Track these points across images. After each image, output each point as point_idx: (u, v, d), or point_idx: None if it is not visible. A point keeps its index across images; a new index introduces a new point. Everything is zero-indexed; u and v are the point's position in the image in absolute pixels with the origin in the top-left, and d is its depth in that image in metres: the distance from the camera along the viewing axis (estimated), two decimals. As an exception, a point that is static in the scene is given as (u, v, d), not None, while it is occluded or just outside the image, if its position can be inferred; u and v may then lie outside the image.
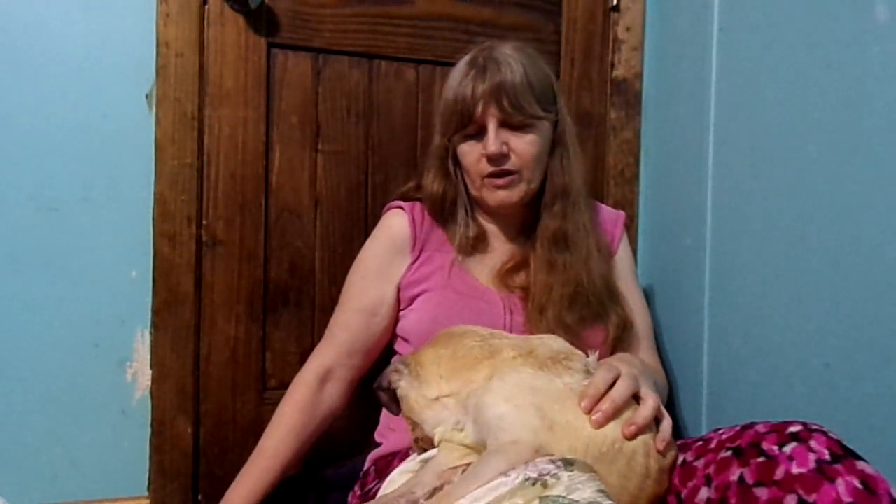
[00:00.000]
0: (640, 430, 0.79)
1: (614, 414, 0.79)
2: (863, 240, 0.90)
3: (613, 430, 0.79)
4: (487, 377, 0.83)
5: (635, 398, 0.84)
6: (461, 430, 0.83)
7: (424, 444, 0.89)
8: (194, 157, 1.23)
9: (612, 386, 0.82)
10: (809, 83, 0.99)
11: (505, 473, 0.72)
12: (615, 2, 1.46)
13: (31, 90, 1.17)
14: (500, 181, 1.05)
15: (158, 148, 1.22)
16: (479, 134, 1.04)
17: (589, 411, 0.79)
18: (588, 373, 0.85)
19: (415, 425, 0.89)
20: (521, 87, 1.02)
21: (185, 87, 1.23)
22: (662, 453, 0.81)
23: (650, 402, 0.83)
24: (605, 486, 0.73)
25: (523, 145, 1.04)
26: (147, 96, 1.22)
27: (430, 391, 0.87)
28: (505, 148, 1.03)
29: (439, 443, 0.85)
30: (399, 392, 0.91)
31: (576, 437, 0.77)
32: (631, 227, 1.44)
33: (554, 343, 0.90)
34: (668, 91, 1.39)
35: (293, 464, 1.08)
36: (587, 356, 0.89)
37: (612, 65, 1.48)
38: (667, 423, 0.83)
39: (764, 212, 1.07)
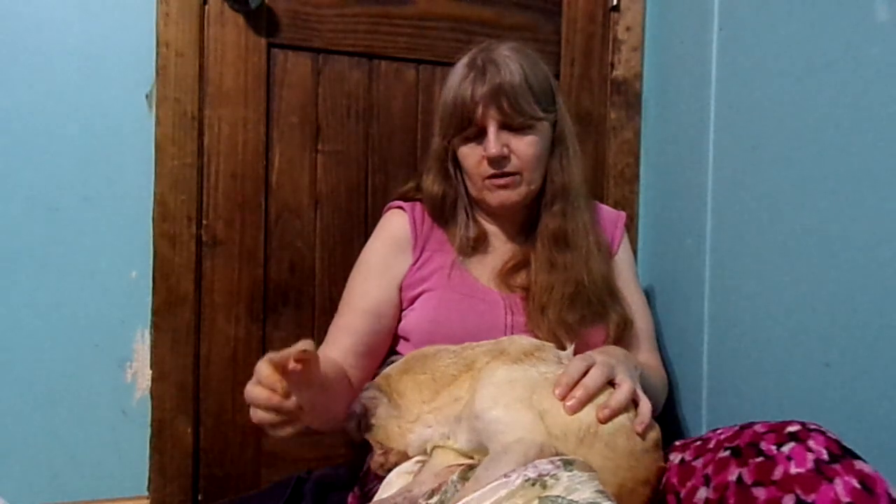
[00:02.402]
0: (614, 413, 0.80)
1: (587, 400, 0.80)
2: (863, 239, 0.90)
3: (588, 414, 0.80)
4: (471, 389, 0.84)
5: (612, 385, 0.85)
6: (448, 439, 0.84)
7: (392, 465, 0.89)
8: (194, 157, 1.23)
9: (586, 374, 0.83)
10: (809, 83, 0.99)
11: (505, 475, 0.72)
12: (615, 2, 1.46)
13: (32, 90, 1.17)
14: (500, 181, 1.05)
15: (158, 148, 1.22)
16: (479, 136, 1.04)
17: (563, 398, 0.81)
18: (560, 363, 0.87)
19: (389, 449, 0.90)
20: (520, 89, 1.01)
21: (185, 87, 1.23)
22: (641, 435, 0.81)
23: (625, 386, 0.84)
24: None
25: (523, 147, 1.04)
26: (147, 96, 1.22)
27: (410, 416, 0.88)
28: (505, 150, 1.03)
29: (432, 449, 0.85)
30: (374, 421, 0.91)
31: (554, 425, 0.78)
32: (631, 227, 1.44)
33: (523, 340, 0.92)
34: (668, 91, 1.39)
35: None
36: (564, 350, 0.91)
37: (612, 65, 1.48)
38: (645, 406, 0.84)
39: (764, 212, 1.07)
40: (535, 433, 0.77)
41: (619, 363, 0.88)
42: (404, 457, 0.89)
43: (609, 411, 0.80)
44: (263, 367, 0.75)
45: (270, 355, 0.76)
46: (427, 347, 0.96)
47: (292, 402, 0.75)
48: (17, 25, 1.16)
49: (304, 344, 0.77)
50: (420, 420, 0.87)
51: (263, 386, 0.75)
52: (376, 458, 0.92)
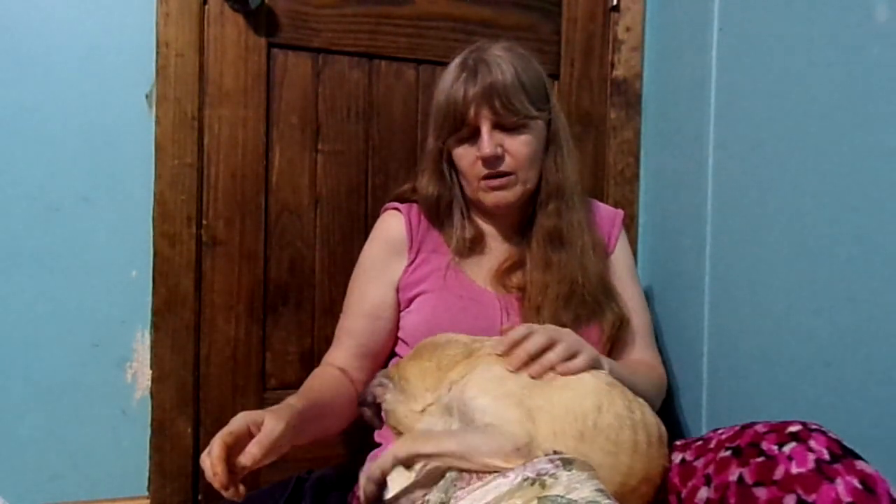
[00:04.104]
0: (543, 369, 0.84)
1: (526, 358, 0.84)
2: (863, 239, 0.90)
3: (581, 405, 0.80)
4: (462, 374, 0.85)
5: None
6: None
7: None
8: (194, 157, 1.23)
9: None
10: (809, 83, 0.99)
11: (504, 474, 0.72)
12: (615, 2, 1.46)
13: (32, 90, 1.17)
14: (495, 182, 1.05)
15: (158, 148, 1.22)
16: (473, 136, 1.04)
17: (504, 354, 0.85)
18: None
19: (399, 434, 0.91)
20: (512, 88, 1.01)
21: (185, 87, 1.23)
22: (655, 456, 0.81)
23: (561, 346, 0.87)
24: (595, 466, 0.73)
25: (517, 146, 1.04)
26: (147, 96, 1.22)
27: (416, 405, 0.89)
28: (499, 150, 1.03)
29: None
30: (385, 406, 0.93)
31: (553, 420, 0.78)
32: (631, 227, 1.44)
33: None
34: (668, 91, 1.39)
35: (328, 412, 1.03)
36: None
37: (612, 65, 1.48)
38: (579, 362, 0.86)
39: (764, 212, 1.07)
40: (521, 430, 0.77)
41: (568, 338, 0.90)
42: None
43: (540, 367, 0.84)
44: (216, 447, 0.78)
45: (229, 432, 0.80)
46: (439, 336, 0.96)
47: (230, 492, 0.78)
48: (17, 25, 1.16)
49: (264, 437, 0.81)
50: (426, 412, 0.88)
51: (211, 463, 0.77)
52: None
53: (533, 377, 0.83)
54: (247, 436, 0.81)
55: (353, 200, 1.34)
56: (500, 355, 0.85)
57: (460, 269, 1.10)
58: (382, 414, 0.98)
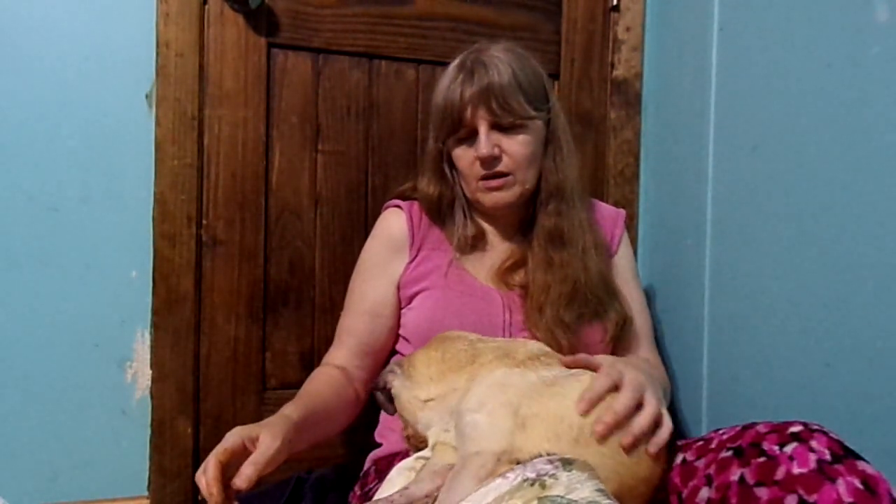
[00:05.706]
0: (637, 441, 0.77)
1: (616, 427, 0.77)
2: (863, 239, 0.90)
3: (577, 411, 0.78)
4: (468, 381, 0.85)
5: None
6: (448, 431, 0.85)
7: (416, 441, 0.91)
8: (194, 157, 1.23)
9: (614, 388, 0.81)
10: (809, 83, 0.99)
11: (503, 475, 0.72)
12: (615, 2, 1.46)
13: (32, 90, 1.17)
14: (493, 183, 1.05)
15: (158, 148, 1.22)
16: (471, 137, 1.04)
17: (584, 413, 0.78)
18: (567, 368, 0.86)
19: (407, 423, 0.92)
20: (509, 89, 1.01)
21: (185, 87, 1.23)
22: (653, 458, 0.79)
23: (649, 409, 0.80)
24: (593, 466, 0.73)
25: (515, 146, 1.04)
26: (147, 96, 1.22)
27: (420, 392, 0.90)
28: (496, 150, 1.03)
29: (434, 445, 0.86)
30: (392, 391, 0.94)
31: (547, 427, 0.78)
32: (631, 227, 1.44)
33: (534, 346, 0.92)
34: (668, 91, 1.39)
35: (326, 417, 1.02)
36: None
37: (612, 65, 1.48)
38: (665, 431, 0.80)
39: (764, 212, 1.07)
40: (501, 442, 0.76)
41: (648, 381, 0.83)
42: (418, 432, 0.90)
43: (632, 439, 0.77)
44: (211, 467, 0.77)
45: (223, 449, 0.79)
46: (450, 332, 0.97)
47: None
48: (17, 25, 1.16)
49: (260, 455, 0.80)
50: (428, 404, 0.88)
51: (206, 483, 0.77)
52: (403, 432, 0.95)
53: (626, 451, 0.77)
54: (242, 452, 0.80)
55: (353, 200, 1.34)
56: (581, 415, 0.78)
57: (462, 267, 1.10)
58: (390, 398, 0.99)
